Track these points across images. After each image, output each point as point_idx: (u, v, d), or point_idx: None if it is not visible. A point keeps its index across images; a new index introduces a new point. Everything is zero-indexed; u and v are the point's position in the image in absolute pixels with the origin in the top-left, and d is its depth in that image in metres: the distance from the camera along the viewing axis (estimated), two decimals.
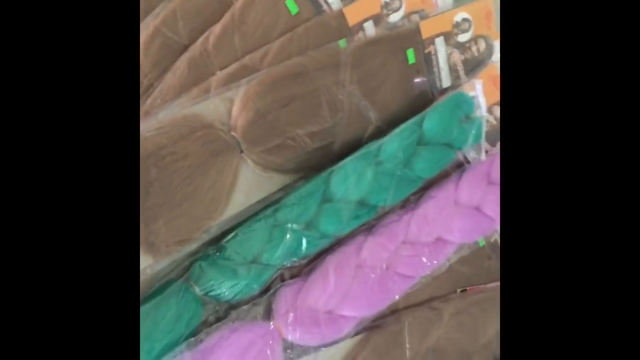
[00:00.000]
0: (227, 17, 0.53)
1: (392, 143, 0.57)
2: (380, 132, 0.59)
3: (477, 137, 0.62)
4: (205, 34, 0.52)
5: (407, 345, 0.57)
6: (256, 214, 0.53)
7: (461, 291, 0.62)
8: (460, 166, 0.62)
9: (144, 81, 0.50)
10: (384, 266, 0.55)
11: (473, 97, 0.62)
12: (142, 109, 0.49)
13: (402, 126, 0.58)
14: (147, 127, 0.47)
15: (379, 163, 0.57)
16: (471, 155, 0.62)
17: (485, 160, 0.62)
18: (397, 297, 0.56)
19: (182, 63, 0.51)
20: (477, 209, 0.60)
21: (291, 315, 0.52)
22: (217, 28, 0.53)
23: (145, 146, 0.46)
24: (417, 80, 0.62)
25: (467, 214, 0.60)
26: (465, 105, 0.61)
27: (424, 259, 0.57)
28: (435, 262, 0.58)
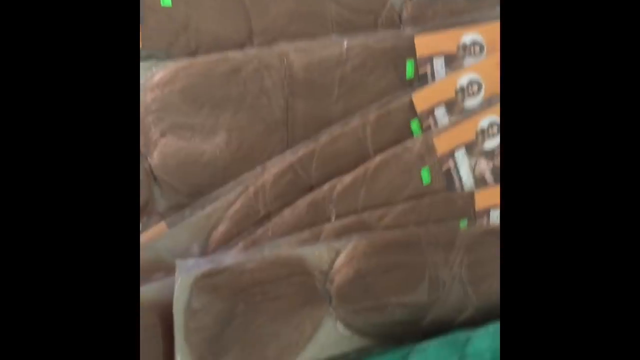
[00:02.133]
0: (360, 170, 0.55)
1: (484, 340, 0.55)
2: (474, 321, 0.57)
3: None
4: (334, 181, 0.54)
5: None
6: None
7: None
8: None
9: (262, 211, 0.52)
10: None
11: None
12: (252, 237, 0.50)
13: (498, 324, 0.55)
14: (249, 259, 0.48)
15: (463, 357, 0.54)
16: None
17: None
18: None
19: (303, 202, 0.53)
20: None
21: None
22: (347, 178, 0.54)
23: (241, 280, 0.47)
24: None
25: None
26: None
27: None
28: None
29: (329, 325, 0.54)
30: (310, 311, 0.52)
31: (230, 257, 0.50)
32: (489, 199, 0.60)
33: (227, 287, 0.49)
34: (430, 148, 0.58)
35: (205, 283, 0.48)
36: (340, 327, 0.55)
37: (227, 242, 0.53)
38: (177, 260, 0.47)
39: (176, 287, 0.47)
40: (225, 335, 0.48)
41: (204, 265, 0.48)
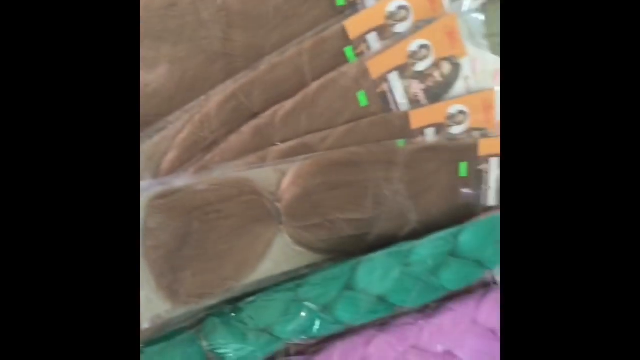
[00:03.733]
0: (299, 95, 0.58)
1: (425, 248, 0.60)
2: (417, 234, 0.62)
3: None
4: (276, 107, 0.57)
5: None
6: (279, 284, 0.55)
7: None
8: (486, 286, 0.63)
9: (209, 137, 0.55)
10: None
11: None
12: (201, 163, 0.53)
13: (438, 234, 0.61)
14: (201, 182, 0.50)
15: (407, 264, 0.59)
16: (499, 278, 0.62)
17: None
18: None
19: (247, 128, 0.56)
20: (493, 332, 0.60)
21: None
22: (288, 104, 0.57)
23: (193, 199, 0.50)
24: (464, 192, 0.63)
25: (482, 335, 0.61)
26: None
27: None
28: None
29: (280, 242, 0.58)
30: (261, 229, 0.56)
31: (182, 181, 0.52)
32: (424, 118, 0.64)
33: (181, 207, 0.51)
34: (364, 72, 0.61)
35: (159, 203, 0.50)
36: (291, 243, 0.58)
37: (177, 168, 0.55)
38: None
39: None
40: (182, 252, 0.51)
41: (156, 187, 0.50)
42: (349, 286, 0.58)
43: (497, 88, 0.67)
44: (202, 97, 0.57)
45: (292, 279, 0.57)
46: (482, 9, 0.68)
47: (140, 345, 0.51)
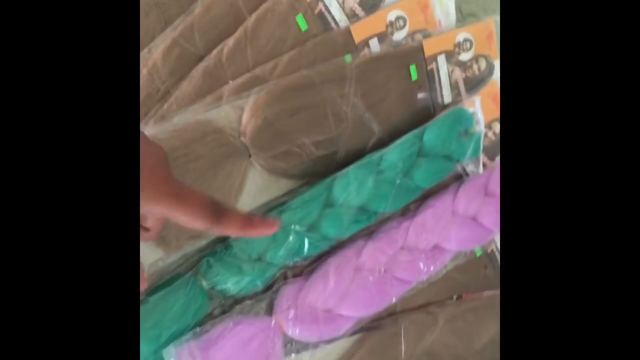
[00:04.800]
0: (240, 31, 0.58)
1: (393, 153, 0.61)
2: (382, 143, 0.64)
3: (476, 151, 0.66)
4: (220, 46, 0.57)
5: (403, 347, 0.60)
6: (262, 215, 0.55)
7: (457, 298, 0.65)
8: (459, 178, 0.66)
9: (161, 88, 0.55)
10: (382, 270, 0.59)
11: (472, 113, 0.65)
12: (159, 113, 0.54)
13: (403, 138, 0.63)
14: (162, 130, 0.52)
15: (379, 172, 0.60)
16: (469, 168, 0.66)
17: (483, 173, 0.66)
18: (394, 300, 0.59)
19: (197, 72, 0.56)
20: (474, 219, 0.63)
21: (292, 311, 0.55)
22: (230, 41, 0.57)
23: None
24: (419, 95, 0.65)
25: (464, 224, 0.63)
26: (464, 120, 0.65)
27: (421, 265, 0.61)
28: (431, 268, 0.61)
29: (254, 175, 0.59)
30: (232, 165, 0.57)
31: (145, 132, 0.53)
32: (365, 30, 0.66)
33: None
34: None
35: None
36: (264, 174, 0.60)
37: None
38: None
39: None
40: None
41: None
42: (328, 203, 0.60)
43: None
44: (145, 50, 0.57)
45: (273, 207, 0.59)
46: None
47: (143, 295, 0.53)
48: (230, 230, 0.42)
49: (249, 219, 0.43)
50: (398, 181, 0.62)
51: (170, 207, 0.37)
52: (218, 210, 0.40)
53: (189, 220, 0.39)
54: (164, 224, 0.46)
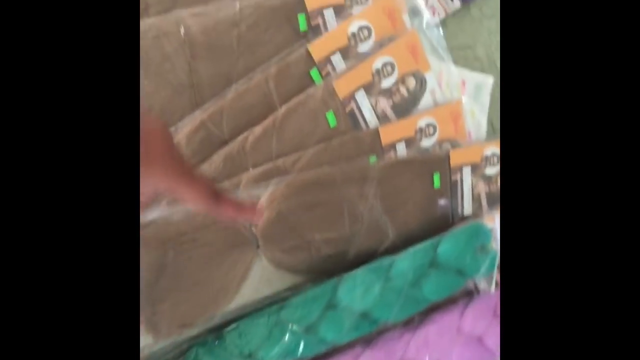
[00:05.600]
0: (269, 120, 0.59)
1: (405, 261, 0.60)
2: (396, 248, 0.63)
3: (490, 269, 0.64)
4: (246, 133, 0.58)
5: None
6: (261, 309, 0.56)
7: None
8: (469, 294, 0.64)
9: None
10: None
11: (491, 229, 0.63)
12: None
13: (417, 246, 0.61)
14: (175, 212, 0.51)
15: (388, 279, 0.59)
16: (481, 285, 0.64)
17: (494, 293, 0.63)
18: None
19: (219, 157, 0.57)
20: (479, 339, 0.61)
21: None
22: (257, 129, 0.58)
23: (168, 230, 0.51)
24: (440, 202, 0.64)
25: (468, 344, 0.61)
26: (482, 235, 0.64)
27: None
28: None
29: (259, 267, 0.58)
30: (239, 255, 0.56)
31: (156, 213, 0.53)
32: (393, 133, 0.65)
33: (155, 239, 0.52)
34: (331, 93, 0.63)
35: None
36: (270, 267, 0.59)
37: (151, 200, 0.55)
38: None
39: None
40: (160, 284, 0.52)
41: None
42: (331, 305, 0.58)
43: (464, 98, 0.68)
44: (172, 129, 0.58)
45: (274, 302, 0.58)
46: (443, 23, 0.70)
47: None
48: (226, 212, 0.41)
49: (241, 204, 0.42)
50: (406, 291, 0.61)
51: (178, 184, 0.37)
52: (216, 193, 0.40)
53: (192, 198, 0.38)
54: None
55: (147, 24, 0.58)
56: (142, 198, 0.45)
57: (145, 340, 0.51)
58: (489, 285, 0.67)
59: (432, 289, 0.62)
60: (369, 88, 0.64)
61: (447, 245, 0.63)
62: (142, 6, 0.59)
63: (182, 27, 0.58)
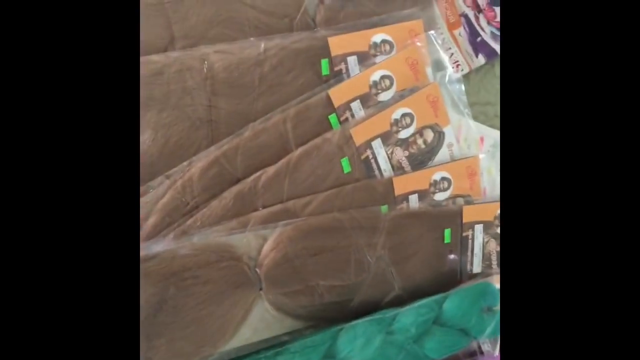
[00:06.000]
0: (283, 161, 0.59)
1: (408, 316, 0.59)
2: (400, 300, 0.62)
3: (495, 331, 0.62)
4: (259, 173, 0.58)
5: None
6: (257, 352, 0.55)
7: None
8: (473, 355, 0.62)
9: (190, 202, 0.56)
10: None
11: (499, 290, 0.62)
12: (181, 227, 0.53)
13: (422, 301, 0.60)
14: (180, 247, 0.50)
15: (390, 332, 0.58)
16: (485, 347, 0.62)
17: (498, 356, 0.62)
18: None
19: (230, 194, 0.57)
20: None
21: None
22: (271, 169, 0.58)
23: (171, 265, 0.50)
24: (450, 257, 0.63)
25: None
26: (490, 296, 0.63)
27: None
28: None
29: (260, 309, 0.58)
30: (241, 295, 0.55)
31: (162, 246, 0.53)
32: (407, 184, 0.65)
33: (158, 273, 0.52)
34: (348, 139, 0.62)
35: None
36: (271, 310, 0.58)
37: (157, 233, 0.56)
38: None
39: None
40: (158, 319, 0.51)
41: None
42: (329, 354, 0.57)
43: (482, 155, 0.68)
44: (185, 163, 0.58)
45: (272, 346, 0.57)
46: (465, 78, 0.70)
47: None
48: None
49: None
50: (407, 346, 0.59)
51: None
52: None
53: None
54: None
55: (172, 57, 0.58)
56: None
57: None
58: (494, 348, 0.65)
59: (434, 347, 0.61)
60: (386, 137, 0.64)
61: (453, 303, 0.61)
62: (167, 39, 0.60)
63: (206, 63, 0.59)
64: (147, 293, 0.50)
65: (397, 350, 0.59)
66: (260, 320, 0.57)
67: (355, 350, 0.57)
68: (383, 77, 0.65)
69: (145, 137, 0.57)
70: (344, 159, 0.63)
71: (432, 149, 0.66)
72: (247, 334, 0.56)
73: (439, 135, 0.66)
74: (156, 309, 0.51)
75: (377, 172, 0.65)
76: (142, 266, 0.51)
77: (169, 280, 0.52)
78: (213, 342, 0.54)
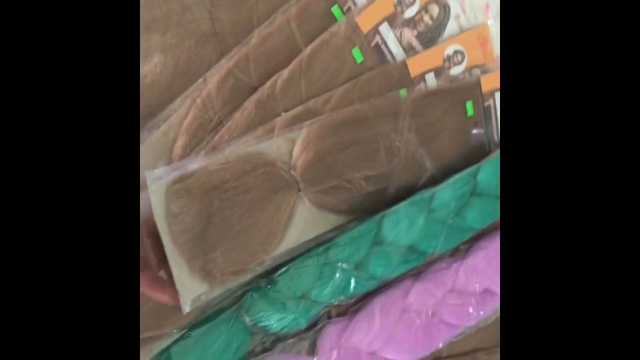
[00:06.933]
0: (295, 62, 0.58)
1: (446, 192, 0.60)
2: (435, 180, 0.62)
3: None
4: (274, 78, 0.57)
5: None
6: (309, 250, 0.56)
7: None
8: None
9: (214, 118, 0.55)
10: (430, 312, 0.57)
11: None
12: (210, 144, 0.53)
13: (457, 176, 0.61)
14: (214, 161, 0.51)
15: (431, 210, 0.59)
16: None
17: None
18: (440, 344, 0.57)
19: (250, 103, 0.56)
20: None
21: (335, 352, 0.54)
22: (285, 73, 0.57)
23: (210, 179, 0.50)
24: (474, 131, 0.63)
25: None
26: None
27: (470, 309, 0.59)
28: (481, 313, 0.60)
29: (303, 210, 0.58)
30: (281, 198, 0.56)
31: (195, 164, 0.53)
32: (421, 64, 0.64)
33: (199, 189, 0.52)
34: (355, 28, 0.61)
35: (178, 188, 0.51)
36: (313, 208, 0.59)
37: (188, 153, 0.56)
38: (145, 172, 0.50)
39: (151, 196, 0.49)
40: (209, 233, 0.52)
41: (171, 173, 0.51)
42: (377, 241, 0.58)
43: (490, 22, 0.67)
44: (200, 80, 0.57)
45: (321, 243, 0.58)
46: None
47: (186, 330, 0.52)
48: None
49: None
50: (450, 221, 0.61)
51: None
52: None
53: None
54: None
55: None
56: None
57: (202, 289, 0.51)
58: None
59: (475, 217, 0.62)
60: (392, 19, 0.63)
61: (487, 172, 0.62)
62: None
63: None
64: (194, 209, 0.51)
65: (441, 226, 0.60)
66: (305, 221, 0.58)
67: (401, 233, 0.58)
68: None
69: (156, 61, 0.56)
70: (355, 49, 0.61)
71: (440, 24, 0.65)
72: (295, 236, 0.57)
73: (445, 9, 0.65)
74: (206, 223, 0.52)
75: (389, 57, 0.64)
76: (182, 185, 0.51)
77: (212, 194, 0.52)
78: (265, 248, 0.55)
